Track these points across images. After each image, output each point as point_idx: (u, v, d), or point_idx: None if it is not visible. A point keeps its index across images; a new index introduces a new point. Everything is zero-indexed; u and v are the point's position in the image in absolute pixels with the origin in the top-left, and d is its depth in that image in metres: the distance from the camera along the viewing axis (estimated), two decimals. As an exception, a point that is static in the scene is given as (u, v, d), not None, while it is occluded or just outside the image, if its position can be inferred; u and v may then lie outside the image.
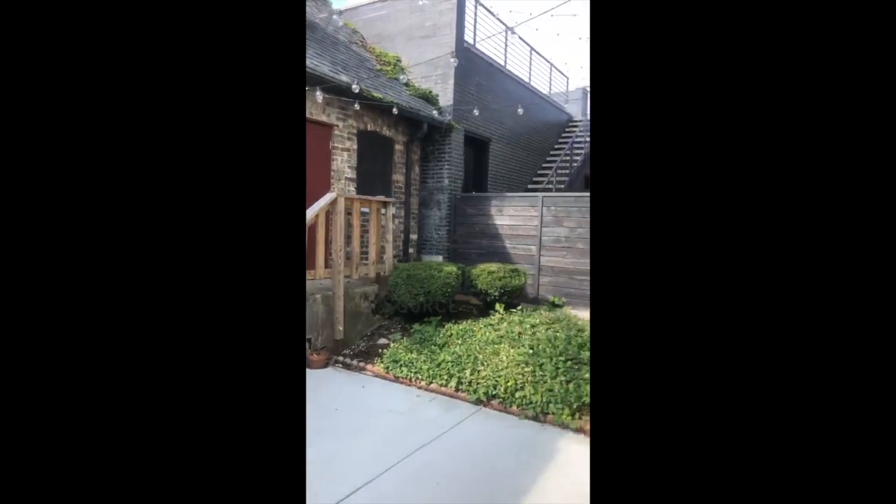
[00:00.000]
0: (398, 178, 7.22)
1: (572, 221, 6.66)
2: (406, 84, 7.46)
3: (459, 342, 4.44)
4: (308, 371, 4.23)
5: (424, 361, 4.10)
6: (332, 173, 6.01)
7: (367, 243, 5.84)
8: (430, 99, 7.36)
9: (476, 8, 8.00)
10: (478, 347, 4.19)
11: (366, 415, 3.36)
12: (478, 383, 3.66)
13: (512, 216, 7.14)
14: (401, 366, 4.14)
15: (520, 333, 4.40)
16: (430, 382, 3.87)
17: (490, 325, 4.80)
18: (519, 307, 5.45)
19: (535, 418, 3.30)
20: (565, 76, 12.72)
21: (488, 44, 8.60)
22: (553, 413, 3.26)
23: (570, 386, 3.46)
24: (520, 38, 9.85)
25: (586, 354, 3.93)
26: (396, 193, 7.16)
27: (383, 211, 5.74)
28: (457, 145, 7.61)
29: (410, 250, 7.44)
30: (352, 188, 6.23)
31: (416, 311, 5.35)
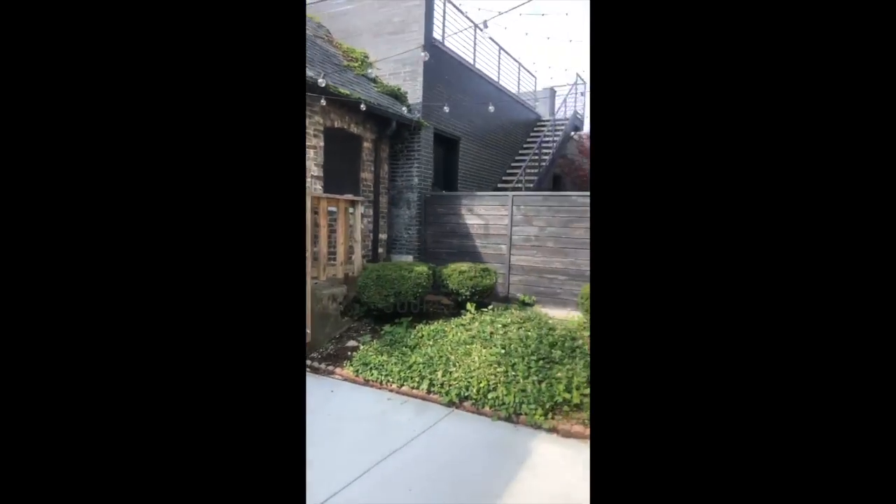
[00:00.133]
0: (367, 176, 7.09)
1: (542, 220, 6.69)
2: (374, 80, 7.33)
3: (431, 343, 4.37)
4: (274, 376, 4.07)
5: (395, 363, 4.01)
6: (298, 171, 5.82)
7: (334, 243, 5.69)
8: (398, 96, 7.25)
9: (445, 4, 7.95)
10: (450, 348, 4.14)
11: (335, 420, 3.25)
12: (450, 385, 3.61)
13: (482, 215, 7.12)
14: (371, 368, 4.04)
15: (492, 333, 4.37)
16: (402, 385, 3.79)
17: (462, 325, 4.75)
18: (490, 306, 5.43)
19: (508, 419, 3.27)
20: (533, 76, 12.83)
21: (457, 42, 8.56)
22: (526, 413, 3.23)
23: (543, 386, 3.45)
24: (489, 37, 9.85)
25: (558, 353, 3.93)
26: (365, 192, 7.02)
27: (351, 210, 5.61)
28: (426, 143, 7.54)
29: (380, 250, 7.32)
30: (318, 186, 6.06)
31: (387, 312, 5.26)
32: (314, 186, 6.02)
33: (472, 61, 9.02)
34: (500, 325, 4.55)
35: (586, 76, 14.72)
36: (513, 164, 10.68)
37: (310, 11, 7.90)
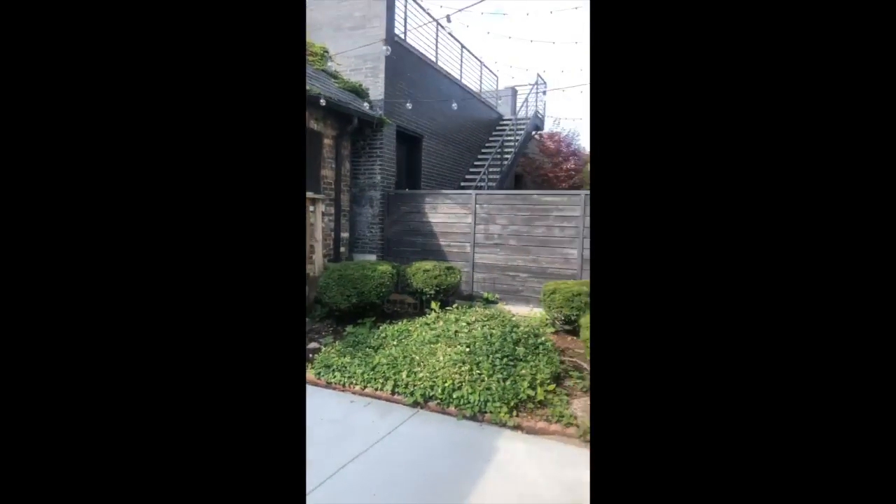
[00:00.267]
0: (327, 173, 6.93)
1: (504, 219, 6.75)
2: (334, 76, 7.17)
3: (395, 343, 4.32)
4: (230, 382, 3.91)
5: (358, 365, 3.93)
6: (255, 168, 5.62)
7: (294, 242, 5.52)
8: (359, 92, 7.12)
9: (406, 0, 7.87)
10: (414, 348, 4.09)
11: (296, 426, 3.14)
12: (415, 385, 3.57)
13: (446, 213, 7.11)
14: (333, 371, 3.94)
15: (456, 332, 4.36)
16: (365, 387, 3.72)
17: (426, 324, 4.72)
18: (455, 305, 5.43)
19: (473, 418, 3.26)
20: (495, 75, 12.92)
21: (419, 40, 8.50)
22: (491, 412, 3.24)
23: (507, 383, 3.47)
24: (451, 34, 9.84)
25: (521, 350, 3.97)
26: (326, 190, 6.86)
27: (311, 208, 5.46)
28: (389, 141, 7.44)
29: (342, 249, 7.17)
30: (277, 184, 5.87)
31: (349, 312, 5.15)
32: (272, 184, 5.82)
33: (434, 59, 8.98)
34: (464, 324, 4.55)
35: (547, 76, 14.94)
36: (475, 163, 10.72)
37: (266, 3, 7.63)
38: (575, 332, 4.99)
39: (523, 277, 6.69)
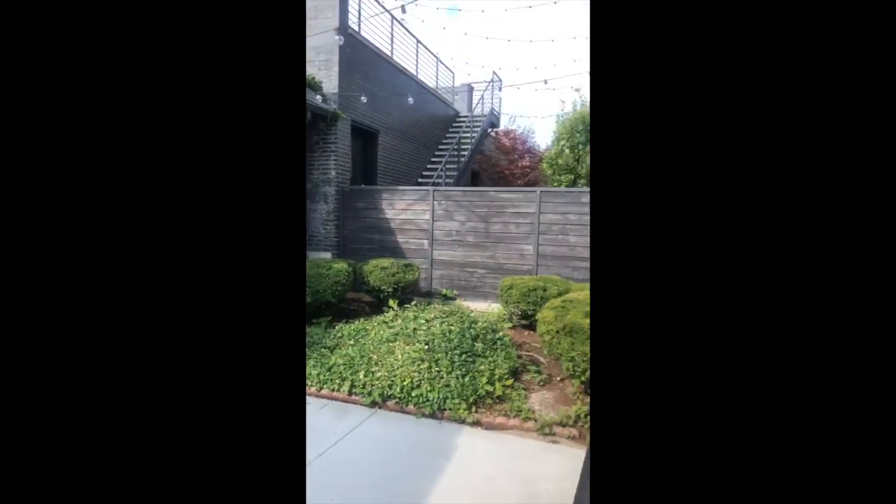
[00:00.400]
0: (280, 169, 6.69)
1: (462, 215, 6.76)
2: (286, 68, 6.92)
3: (352, 343, 4.23)
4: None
5: (314, 366, 3.82)
6: (201, 162, 5.35)
7: (245, 240, 5.31)
8: (312, 86, 6.92)
9: (360, -7, 7.70)
10: (372, 347, 4.03)
11: (248, 432, 3.01)
12: (372, 385, 3.51)
13: (404, 210, 7.04)
14: (287, 373, 3.81)
15: (415, 329, 4.32)
16: (321, 388, 3.62)
17: (384, 322, 4.65)
18: (413, 302, 5.38)
19: (433, 416, 3.24)
20: (451, 71, 12.91)
21: (374, 33, 8.35)
22: (450, 409, 3.23)
23: (466, 380, 3.47)
24: (406, 28, 9.74)
25: (480, 346, 3.98)
26: (278, 186, 6.63)
27: (263, 205, 5.25)
28: (343, 136, 7.28)
29: (296, 247, 6.96)
30: (225, 180, 5.62)
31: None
32: (220, 179, 5.56)
33: (389, 53, 8.86)
34: (423, 321, 4.52)
35: (502, 74, 15.10)
36: (433, 159, 10.69)
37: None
38: (532, 327, 5.07)
39: (481, 273, 6.74)
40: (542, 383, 3.78)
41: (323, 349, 4.13)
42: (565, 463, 2.68)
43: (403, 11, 4.78)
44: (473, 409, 3.25)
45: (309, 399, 3.56)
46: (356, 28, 7.63)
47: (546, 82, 6.18)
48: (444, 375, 3.52)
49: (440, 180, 9.28)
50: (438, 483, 2.47)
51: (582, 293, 4.01)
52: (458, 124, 12.08)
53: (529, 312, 5.07)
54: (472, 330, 4.25)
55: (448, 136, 11.57)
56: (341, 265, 5.35)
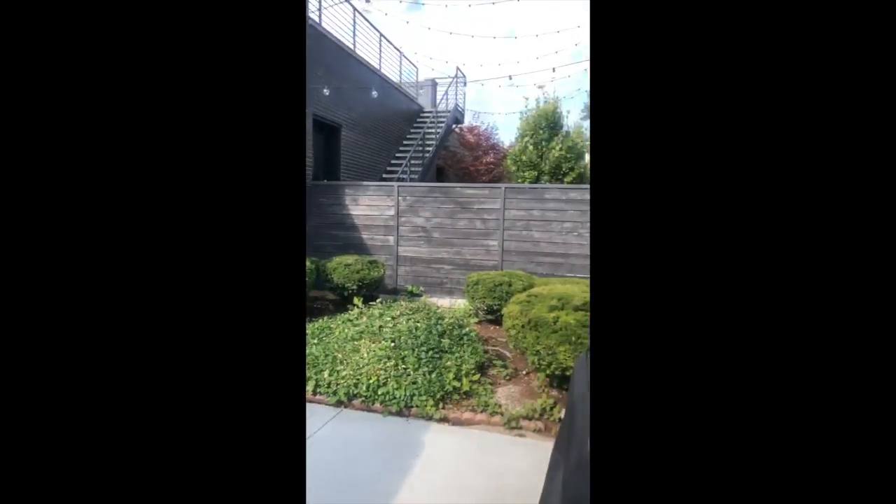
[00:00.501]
0: (238, 163, 6.47)
1: (428, 211, 6.73)
2: (243, 59, 6.69)
3: (316, 342, 4.14)
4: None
5: (277, 367, 3.71)
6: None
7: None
8: (272, 77, 6.71)
9: (321, -16, 7.52)
10: (336, 346, 3.95)
11: (206, 437, 2.90)
12: (338, 384, 3.44)
13: (368, 206, 6.94)
14: (249, 374, 3.69)
15: (381, 327, 4.27)
16: (285, 389, 3.52)
17: (349, 320, 4.58)
18: (378, 299, 5.32)
19: (400, 413, 3.22)
20: (415, 66, 12.84)
21: (337, 26, 8.18)
22: (417, 405, 3.21)
23: (433, 376, 3.46)
24: (368, 22, 9.59)
25: (447, 342, 3.98)
26: (236, 181, 6.40)
27: (221, 201, 5.06)
28: (305, 129, 7.10)
29: (256, 244, 6.76)
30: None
31: (265, 311, 4.85)
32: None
33: (352, 47, 8.71)
34: (388, 318, 4.47)
35: (466, 70, 15.12)
36: (397, 155, 10.60)
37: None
38: (497, 322, 5.11)
39: (447, 269, 6.74)
40: (508, 377, 3.81)
41: (286, 349, 4.02)
42: (531, 456, 2.72)
43: (367, 1, 4.69)
44: (440, 405, 3.25)
45: (271, 401, 3.46)
46: (317, 19, 7.45)
47: (511, 78, 6.22)
48: (411, 372, 3.49)
49: (405, 176, 9.21)
50: (407, 481, 2.45)
51: (546, 288, 4.07)
52: (422, 120, 12.01)
53: (495, 307, 5.11)
54: (438, 326, 4.24)
55: (412, 131, 11.49)
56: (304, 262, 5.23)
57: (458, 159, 13.29)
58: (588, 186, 6.72)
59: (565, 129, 10.06)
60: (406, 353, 3.72)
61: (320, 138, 7.92)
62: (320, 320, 4.74)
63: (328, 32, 7.75)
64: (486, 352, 4.14)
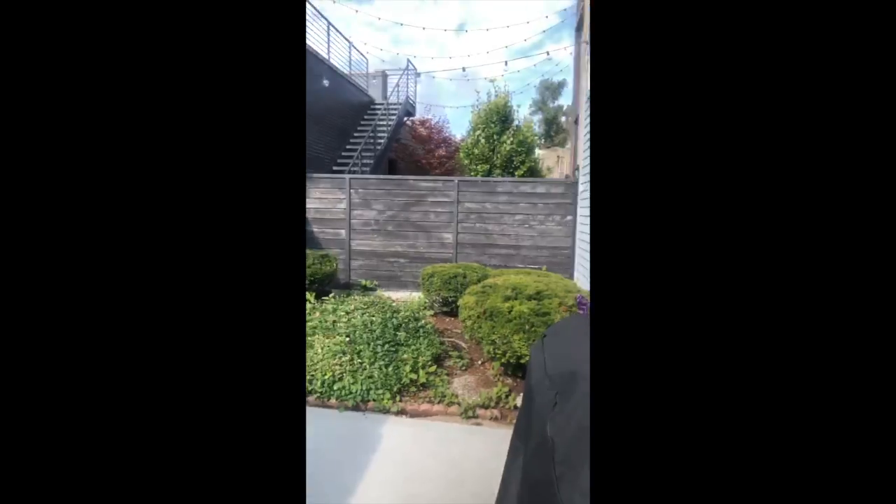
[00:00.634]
0: (177, 154, 6.11)
1: (381, 204, 6.65)
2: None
3: (267, 339, 4.00)
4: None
5: (225, 366, 3.56)
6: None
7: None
8: (213, 64, 6.37)
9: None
10: (289, 342, 3.84)
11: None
12: (291, 382, 3.34)
13: (319, 199, 6.77)
14: (194, 375, 3.52)
15: (334, 322, 4.19)
16: (234, 389, 3.38)
17: (301, 316, 4.45)
18: (331, 294, 5.21)
19: (356, 408, 3.18)
20: (365, 57, 12.60)
21: (281, 10, 7.87)
22: (374, 399, 3.18)
23: (390, 369, 3.44)
24: (315, 9, 9.31)
25: (403, 335, 3.96)
26: (176, 173, 6.05)
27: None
28: (250, 120, 6.81)
29: (199, 239, 6.43)
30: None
31: (211, 309, 4.63)
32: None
33: (299, 34, 8.40)
34: (342, 313, 4.39)
35: (418, 62, 14.97)
36: (347, 147, 10.39)
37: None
38: (453, 314, 5.15)
39: (402, 263, 6.70)
40: (464, 368, 3.85)
41: (234, 348, 3.86)
42: (489, 444, 2.76)
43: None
44: (398, 398, 3.23)
45: (220, 402, 3.32)
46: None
47: (465, 70, 6.22)
48: (367, 366, 3.45)
49: (356, 168, 9.05)
50: (366, 475, 2.43)
51: (500, 278, 4.13)
52: (373, 112, 11.83)
53: (450, 299, 5.14)
54: (394, 319, 4.21)
55: (363, 123, 11.29)
56: (252, 258, 5.03)
57: (410, 152, 13.21)
58: (539, 180, 6.87)
59: (516, 123, 10.22)
60: (361, 347, 3.68)
61: (267, 129, 7.62)
62: (271, 317, 4.58)
63: (273, 18, 7.45)
64: (442, 343, 4.16)
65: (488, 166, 9.72)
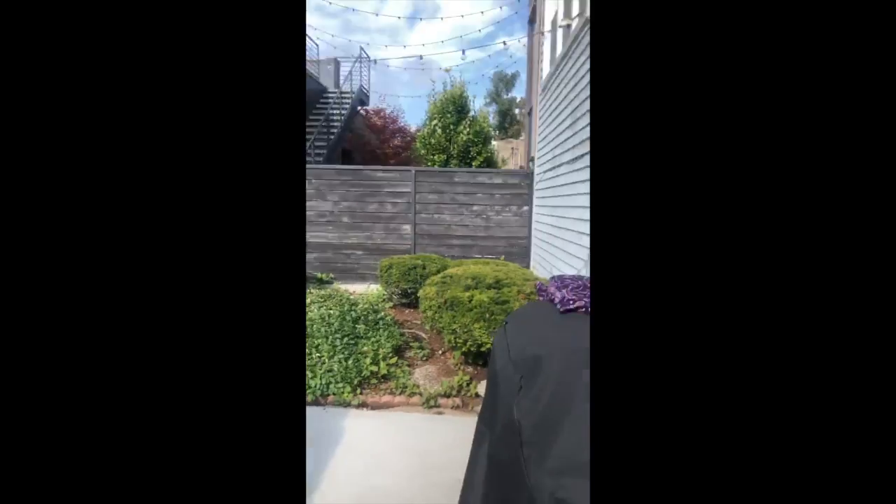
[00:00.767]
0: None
1: (336, 195, 6.51)
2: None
3: (219, 336, 3.84)
4: None
5: (174, 366, 3.39)
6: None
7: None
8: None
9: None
10: (242, 338, 3.70)
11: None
12: (246, 379, 3.23)
13: (270, 190, 6.53)
14: (140, 376, 3.33)
15: (290, 316, 4.08)
16: (185, 389, 3.23)
17: (255, 311, 4.30)
18: (286, 288, 5.06)
19: (316, 402, 3.11)
20: (315, 43, 12.21)
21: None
22: (334, 393, 3.13)
23: (350, 362, 3.39)
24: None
25: (362, 328, 3.91)
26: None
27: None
28: (195, 107, 6.46)
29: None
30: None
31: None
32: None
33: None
34: (299, 307, 4.28)
35: (371, 51, 14.68)
36: (300, 137, 10.07)
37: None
38: (412, 305, 5.13)
39: (358, 255, 6.60)
40: (424, 358, 3.86)
41: (183, 346, 3.69)
42: (452, 432, 2.79)
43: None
44: (358, 390, 3.20)
45: (170, 403, 3.16)
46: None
47: (422, 57, 6.17)
48: (326, 360, 3.39)
49: (309, 159, 8.80)
50: (328, 469, 2.39)
51: (459, 269, 4.15)
52: (325, 100, 11.52)
53: (410, 291, 5.11)
54: (352, 312, 4.15)
55: (315, 112, 10.97)
56: (200, 251, 4.80)
57: (364, 142, 12.98)
58: (496, 171, 6.93)
59: (472, 113, 10.25)
60: (319, 341, 3.60)
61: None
62: (222, 313, 4.40)
63: None
64: (402, 334, 4.14)
65: (445, 156, 9.71)
